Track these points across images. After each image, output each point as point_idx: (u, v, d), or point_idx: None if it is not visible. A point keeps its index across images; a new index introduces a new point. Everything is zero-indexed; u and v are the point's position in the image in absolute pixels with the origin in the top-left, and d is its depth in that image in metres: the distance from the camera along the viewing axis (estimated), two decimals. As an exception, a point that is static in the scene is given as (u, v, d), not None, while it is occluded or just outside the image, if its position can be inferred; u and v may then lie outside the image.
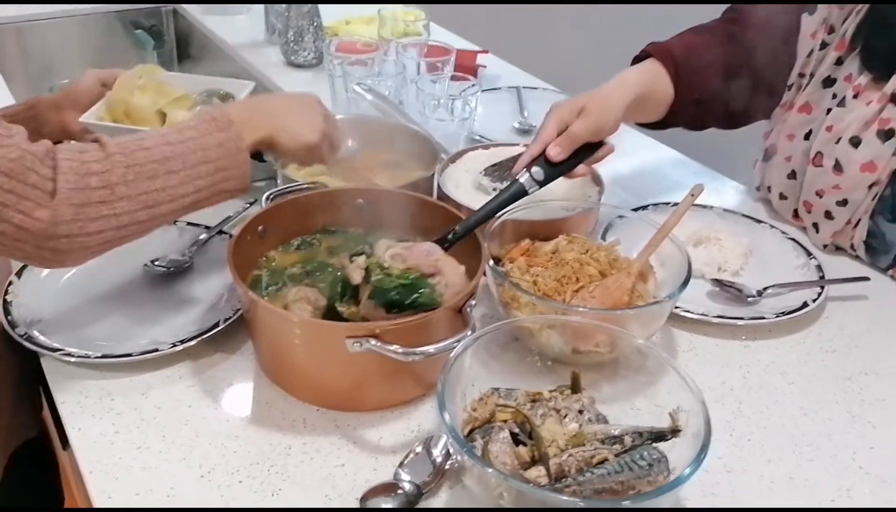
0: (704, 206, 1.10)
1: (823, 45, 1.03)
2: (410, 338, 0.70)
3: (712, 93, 1.06)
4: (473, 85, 1.25)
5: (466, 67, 1.46)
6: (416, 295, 0.74)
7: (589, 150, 0.95)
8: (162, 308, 0.89)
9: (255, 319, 0.78)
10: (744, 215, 1.10)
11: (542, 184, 0.93)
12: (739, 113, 1.10)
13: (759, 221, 1.09)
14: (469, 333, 0.71)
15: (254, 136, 0.81)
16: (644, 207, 1.11)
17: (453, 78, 1.32)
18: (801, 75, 1.06)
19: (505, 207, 0.91)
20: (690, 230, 1.04)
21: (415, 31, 1.55)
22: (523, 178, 0.92)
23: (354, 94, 1.20)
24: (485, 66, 1.53)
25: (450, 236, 0.85)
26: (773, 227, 1.08)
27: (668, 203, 1.11)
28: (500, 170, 1.05)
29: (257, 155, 0.96)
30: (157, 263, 0.94)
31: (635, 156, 1.30)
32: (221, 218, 1.02)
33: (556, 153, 0.92)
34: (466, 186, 1.05)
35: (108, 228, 0.69)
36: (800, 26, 1.04)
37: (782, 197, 1.11)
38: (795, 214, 1.10)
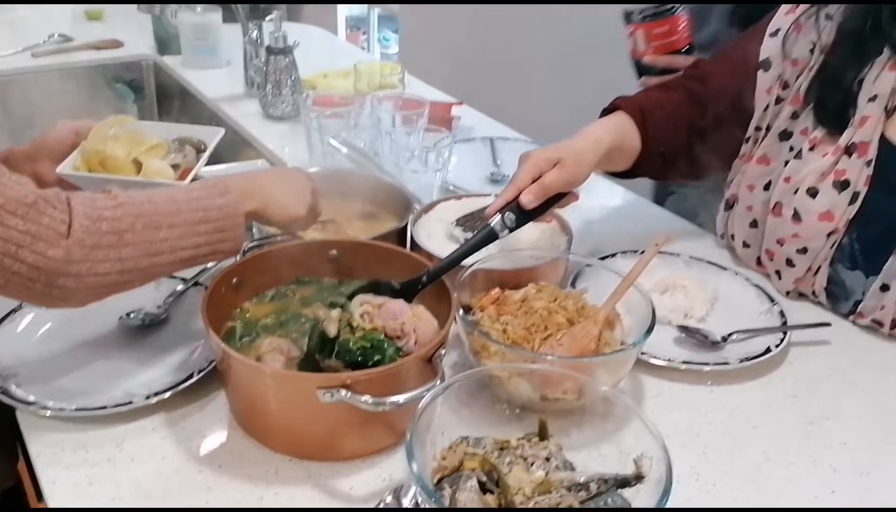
0: (671, 254, 1.13)
1: (779, 100, 1.08)
2: (381, 388, 0.72)
3: (677, 146, 1.11)
4: (447, 137, 1.28)
5: (441, 119, 1.50)
6: (377, 357, 0.77)
7: (556, 198, 0.98)
8: (137, 360, 0.90)
9: (227, 371, 0.80)
10: (709, 262, 1.13)
11: (512, 229, 0.95)
12: (702, 165, 1.15)
13: (724, 268, 1.13)
14: (438, 382, 0.73)
15: (249, 205, 0.85)
16: (612, 255, 1.14)
17: (427, 130, 1.35)
18: (758, 129, 1.10)
19: (477, 250, 0.93)
20: (657, 278, 1.07)
21: (390, 84, 1.60)
22: (495, 222, 0.94)
23: (330, 147, 1.23)
24: (459, 118, 1.58)
25: (423, 279, 0.87)
26: (737, 273, 1.12)
27: (635, 251, 1.14)
28: (471, 220, 1.08)
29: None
30: (132, 315, 0.95)
31: (605, 203, 1.34)
32: (197, 270, 1.04)
33: (528, 201, 0.94)
34: (439, 236, 1.08)
35: (113, 272, 0.73)
36: (756, 83, 1.09)
37: (745, 245, 1.15)
38: (759, 262, 1.14)
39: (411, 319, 0.80)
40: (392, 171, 1.24)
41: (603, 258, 1.13)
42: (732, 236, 1.16)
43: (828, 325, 1.01)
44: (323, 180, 1.15)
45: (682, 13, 1.25)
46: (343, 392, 0.71)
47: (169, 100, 1.92)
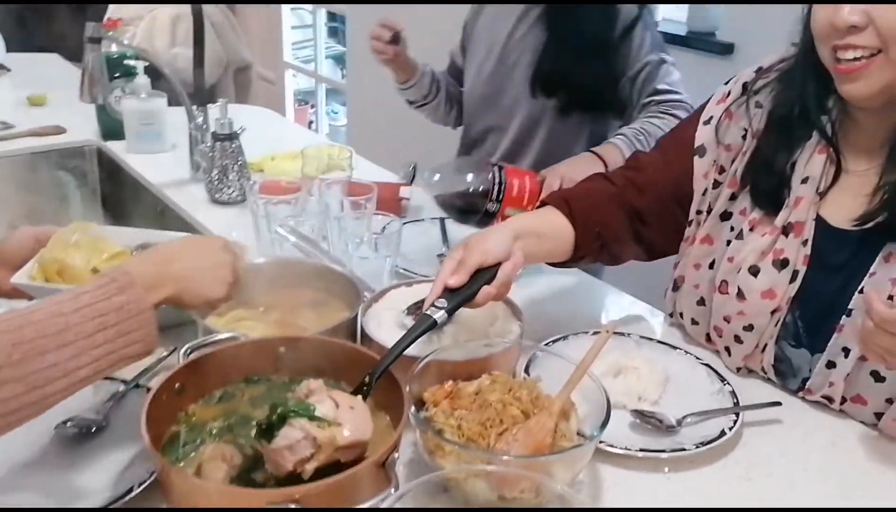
0: (621, 334, 1.14)
1: (716, 184, 1.11)
2: (332, 499, 0.69)
3: (616, 228, 1.13)
4: (395, 221, 1.28)
5: (389, 201, 1.50)
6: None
7: (487, 275, 0.98)
8: (75, 473, 0.86)
9: (168, 485, 0.76)
10: (659, 341, 1.14)
11: (450, 312, 0.95)
12: (649, 247, 1.17)
13: (674, 348, 1.13)
14: (392, 490, 0.70)
15: (157, 295, 0.80)
16: (564, 337, 1.14)
17: (377, 213, 1.35)
18: (699, 212, 1.13)
19: (414, 341, 0.92)
20: (609, 360, 1.07)
21: (339, 166, 1.60)
22: (429, 310, 0.95)
23: (278, 234, 1.21)
24: (408, 199, 1.58)
25: (366, 381, 0.85)
26: (687, 352, 1.13)
27: (587, 332, 1.15)
28: (422, 307, 1.07)
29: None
30: (69, 423, 0.91)
31: (553, 282, 1.35)
32: (139, 369, 1.00)
33: (454, 281, 0.96)
34: (390, 325, 1.06)
35: None
36: (693, 168, 1.12)
37: (694, 322, 1.16)
38: (708, 338, 1.15)
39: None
40: (341, 258, 1.23)
41: (554, 341, 1.13)
42: (681, 314, 1.18)
43: (778, 404, 1.02)
44: (271, 269, 1.15)
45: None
46: (292, 506, 0.68)
47: (113, 186, 1.89)
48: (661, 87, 1.52)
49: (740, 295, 1.06)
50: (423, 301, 1.08)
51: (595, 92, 1.58)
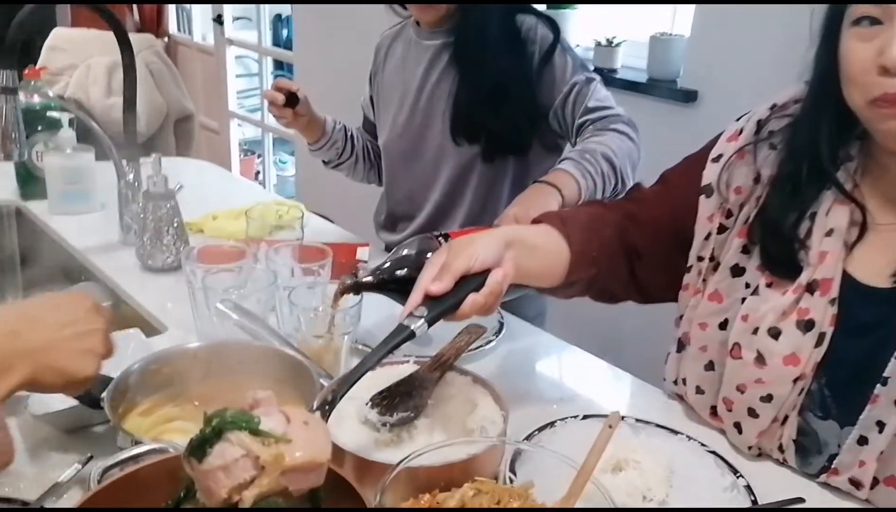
0: (616, 418, 1.00)
1: (722, 229, 0.99)
2: None
3: (611, 258, 1.01)
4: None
5: (346, 266, 1.35)
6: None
7: (475, 282, 0.86)
8: None
9: None
10: (657, 425, 1.01)
11: (430, 322, 0.83)
12: (644, 288, 1.06)
13: (675, 432, 1.00)
14: None
15: (9, 382, 0.64)
16: (551, 424, 1.00)
17: (333, 281, 1.20)
18: (700, 259, 1.01)
19: (388, 355, 0.82)
20: (606, 454, 0.92)
21: (288, 225, 1.45)
22: (406, 320, 0.84)
23: (218, 311, 1.05)
24: (366, 261, 1.43)
25: (328, 399, 0.75)
26: (690, 438, 0.99)
27: (575, 416, 1.01)
28: (389, 398, 0.92)
29: (87, 398, 0.79)
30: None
31: (535, 358, 1.21)
32: (45, 487, 0.82)
33: (437, 287, 0.84)
34: (351, 421, 0.91)
35: None
36: (696, 209, 1.01)
37: (699, 391, 1.03)
38: (714, 412, 1.02)
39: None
40: (293, 337, 1.07)
41: (541, 429, 0.98)
42: (684, 380, 1.05)
43: (801, 500, 0.89)
44: (209, 355, 0.98)
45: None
46: None
47: (32, 251, 1.69)
48: (592, 104, 1.38)
49: (760, 360, 0.93)
50: (391, 389, 0.94)
51: (522, 130, 1.44)
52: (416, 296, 0.85)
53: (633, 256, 1.03)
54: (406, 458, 0.78)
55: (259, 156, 4.56)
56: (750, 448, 0.98)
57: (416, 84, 1.50)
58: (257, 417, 0.63)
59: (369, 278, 1.07)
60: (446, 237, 1.10)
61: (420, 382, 0.95)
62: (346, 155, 1.60)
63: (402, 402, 0.91)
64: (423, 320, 0.83)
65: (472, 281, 0.86)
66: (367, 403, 0.91)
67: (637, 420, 1.02)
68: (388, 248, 1.63)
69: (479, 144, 1.44)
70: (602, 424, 0.99)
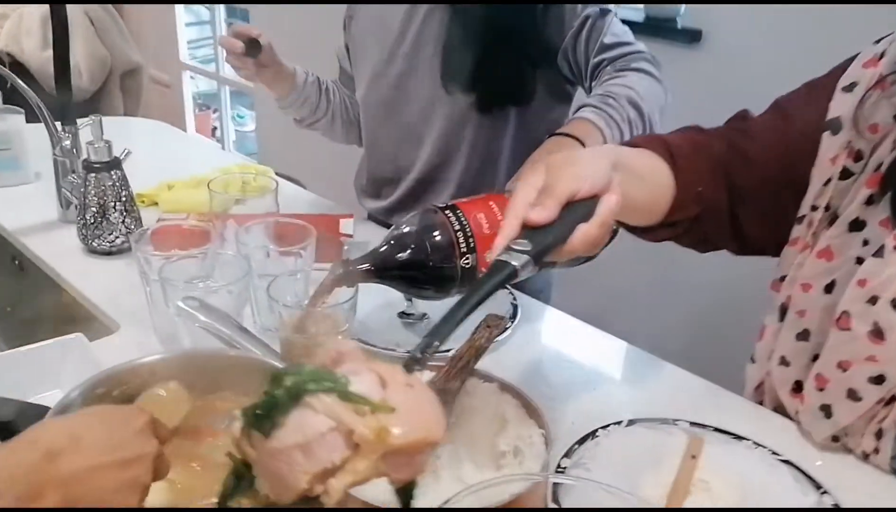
0: (667, 422, 0.84)
1: (846, 174, 0.82)
2: None
3: (716, 196, 0.86)
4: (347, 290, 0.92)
5: (327, 242, 1.15)
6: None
7: (583, 209, 0.69)
8: None
9: None
10: (717, 430, 0.85)
11: (535, 258, 0.65)
12: (746, 237, 0.90)
13: (740, 438, 0.84)
14: None
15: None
16: (593, 435, 0.83)
17: (316, 267, 1.00)
18: (815, 208, 0.84)
19: (486, 298, 0.63)
20: (667, 475, 0.76)
21: (258, 189, 1.25)
22: (504, 255, 0.64)
23: (179, 313, 0.85)
24: (351, 235, 1.24)
25: (419, 357, 0.57)
26: (757, 445, 0.83)
27: (619, 423, 0.84)
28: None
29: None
30: None
31: (552, 342, 1.04)
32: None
33: (540, 214, 0.66)
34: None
35: None
36: (818, 147, 0.83)
37: (783, 362, 0.87)
38: (796, 389, 0.86)
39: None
40: (272, 335, 0.88)
41: (582, 441, 0.82)
42: (771, 352, 0.89)
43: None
44: (171, 369, 0.78)
45: None
46: None
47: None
48: (608, 40, 1.18)
49: (876, 334, 0.77)
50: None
51: (524, 75, 1.24)
52: (510, 224, 0.67)
53: (737, 199, 0.87)
54: (444, 503, 0.60)
55: (215, 111, 4.27)
56: (835, 438, 0.83)
57: (398, 26, 1.29)
58: (344, 376, 0.47)
59: (366, 265, 0.87)
60: (454, 210, 0.91)
61: (437, 394, 0.77)
62: (322, 112, 1.38)
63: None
64: (527, 256, 0.64)
65: (577, 208, 0.68)
66: (374, 427, 0.73)
67: (692, 424, 0.85)
68: (372, 218, 1.43)
69: (475, 93, 1.24)
70: (650, 430, 0.84)
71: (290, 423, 0.45)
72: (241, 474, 0.52)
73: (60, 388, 0.89)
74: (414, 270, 0.88)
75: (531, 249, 0.64)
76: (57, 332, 0.98)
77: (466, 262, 0.89)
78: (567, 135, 1.05)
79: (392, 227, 0.92)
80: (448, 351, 0.96)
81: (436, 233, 0.88)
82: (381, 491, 0.64)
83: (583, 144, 1.04)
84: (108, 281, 1.14)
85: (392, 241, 0.89)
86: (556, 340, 1.08)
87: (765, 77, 1.71)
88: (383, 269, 0.88)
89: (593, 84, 1.18)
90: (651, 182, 0.81)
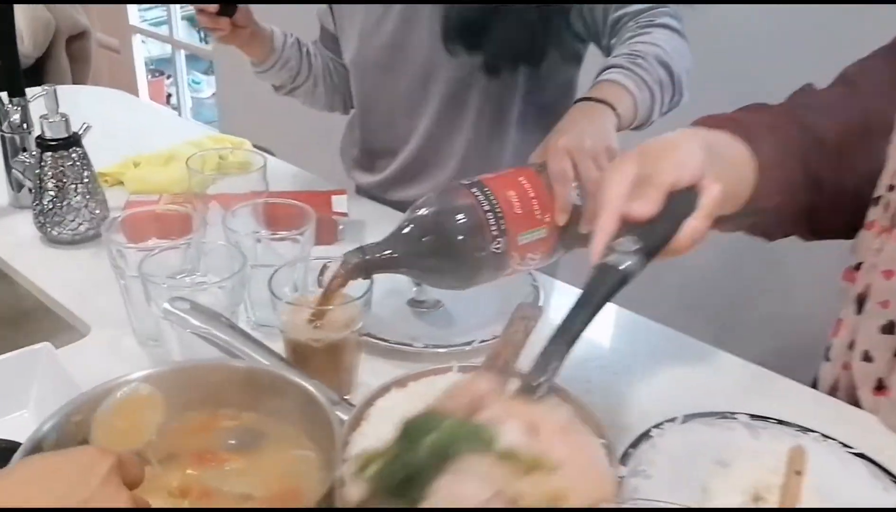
0: (726, 416, 0.75)
1: None
2: None
3: (794, 181, 0.78)
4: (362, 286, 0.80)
5: (319, 223, 1.03)
6: None
7: (684, 201, 0.61)
8: None
9: None
10: (780, 422, 0.76)
11: (647, 254, 0.58)
12: (814, 221, 0.82)
13: (806, 430, 0.75)
14: None
15: None
16: (647, 436, 0.73)
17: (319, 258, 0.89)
18: (892, 188, 0.76)
19: (604, 305, 0.58)
20: (739, 478, 0.68)
21: (236, 164, 1.12)
22: (610, 259, 0.58)
23: (168, 315, 0.73)
24: (345, 214, 1.11)
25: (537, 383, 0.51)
26: (826, 437, 0.75)
27: (674, 420, 0.75)
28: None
29: None
30: None
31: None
32: None
33: (643, 208, 0.60)
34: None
35: None
36: (894, 122, 0.75)
37: (867, 358, 0.79)
38: (879, 387, 0.78)
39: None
40: (270, 332, 0.76)
41: (636, 443, 0.72)
42: (851, 344, 0.81)
43: None
44: (169, 387, 0.66)
45: None
46: None
47: None
48: None
49: None
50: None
51: (535, 32, 1.12)
52: (608, 221, 0.60)
53: (812, 184, 0.78)
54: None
55: (169, 77, 4.04)
56: None
57: None
58: (487, 426, 0.42)
59: (385, 253, 0.76)
60: (481, 187, 0.80)
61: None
62: (303, 77, 1.25)
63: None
64: (637, 256, 0.57)
65: (678, 200, 0.60)
66: (408, 447, 0.62)
67: (753, 417, 0.77)
68: (364, 193, 1.31)
69: (481, 52, 1.11)
70: (708, 427, 0.75)
71: (440, 492, 0.39)
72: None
73: (27, 409, 0.76)
74: (438, 258, 0.77)
75: (641, 247, 0.56)
76: (14, 339, 0.85)
77: (497, 246, 0.78)
78: (596, 100, 0.93)
79: (409, 209, 0.81)
80: (469, 344, 0.87)
81: (462, 214, 0.77)
82: None
83: (614, 109, 0.93)
84: (72, 275, 1.01)
85: (412, 225, 0.78)
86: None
87: (761, 40, 1.62)
88: (404, 256, 0.77)
89: (612, 42, 1.06)
90: (735, 166, 0.72)
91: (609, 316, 0.98)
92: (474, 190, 0.79)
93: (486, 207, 0.77)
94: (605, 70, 0.98)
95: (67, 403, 0.62)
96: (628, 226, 0.59)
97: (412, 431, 0.43)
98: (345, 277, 0.75)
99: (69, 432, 0.61)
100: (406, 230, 0.78)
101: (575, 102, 0.94)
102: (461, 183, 0.80)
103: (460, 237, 0.77)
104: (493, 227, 0.77)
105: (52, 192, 1.06)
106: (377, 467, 0.43)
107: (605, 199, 0.61)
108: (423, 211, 0.78)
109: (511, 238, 0.79)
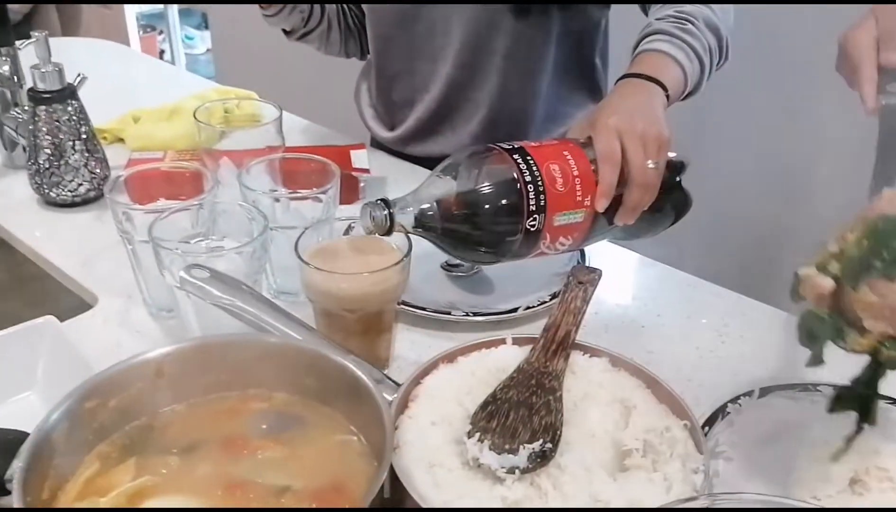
0: (808, 388, 0.68)
1: None
2: None
3: None
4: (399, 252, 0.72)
5: (345, 179, 0.94)
6: None
7: None
8: None
9: None
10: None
11: None
12: None
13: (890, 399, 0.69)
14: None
15: None
16: (723, 412, 0.66)
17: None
18: None
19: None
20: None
21: (243, 117, 1.04)
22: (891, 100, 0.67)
23: (183, 286, 0.65)
24: (367, 170, 1.03)
25: None
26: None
27: (750, 394, 0.68)
28: (500, 417, 0.56)
29: None
30: None
31: (638, 295, 0.86)
32: None
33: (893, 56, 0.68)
34: (447, 465, 0.54)
35: None
36: None
37: None
38: None
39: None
40: (295, 304, 0.69)
41: (711, 421, 0.65)
42: None
43: None
44: (191, 366, 0.59)
45: None
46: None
47: None
48: None
49: None
50: (496, 400, 0.58)
51: None
52: (871, 70, 0.68)
53: None
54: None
55: (161, 32, 3.90)
56: None
57: None
58: None
59: (410, 211, 0.69)
60: (524, 155, 0.71)
61: (539, 381, 0.59)
62: (315, 20, 1.15)
63: (522, 420, 0.56)
64: None
65: None
66: (468, 433, 0.55)
67: (814, 387, 0.69)
68: (381, 147, 1.22)
69: None
70: (789, 401, 0.68)
71: None
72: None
73: (33, 391, 0.69)
74: (468, 226, 0.70)
75: None
76: (15, 311, 0.77)
77: (532, 223, 0.70)
78: (644, 77, 0.84)
79: (442, 166, 0.73)
80: (513, 310, 0.79)
81: (500, 182, 0.70)
82: None
83: (661, 85, 0.84)
84: (74, 240, 0.92)
85: (444, 185, 0.71)
86: (636, 287, 0.90)
87: None
88: (430, 218, 0.69)
89: None
90: None
91: (667, 278, 0.91)
92: (516, 156, 0.71)
93: (528, 179, 0.70)
94: (650, 35, 0.88)
95: (79, 386, 0.54)
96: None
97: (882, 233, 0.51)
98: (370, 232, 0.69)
99: (83, 420, 0.54)
100: (436, 189, 0.70)
101: (621, 77, 0.85)
102: (501, 146, 0.72)
103: (496, 206, 0.69)
104: (532, 203, 0.70)
105: (48, 151, 0.97)
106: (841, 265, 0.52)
107: (861, 53, 0.68)
108: (456, 171, 0.71)
109: (549, 217, 0.71)
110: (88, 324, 0.78)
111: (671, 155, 0.79)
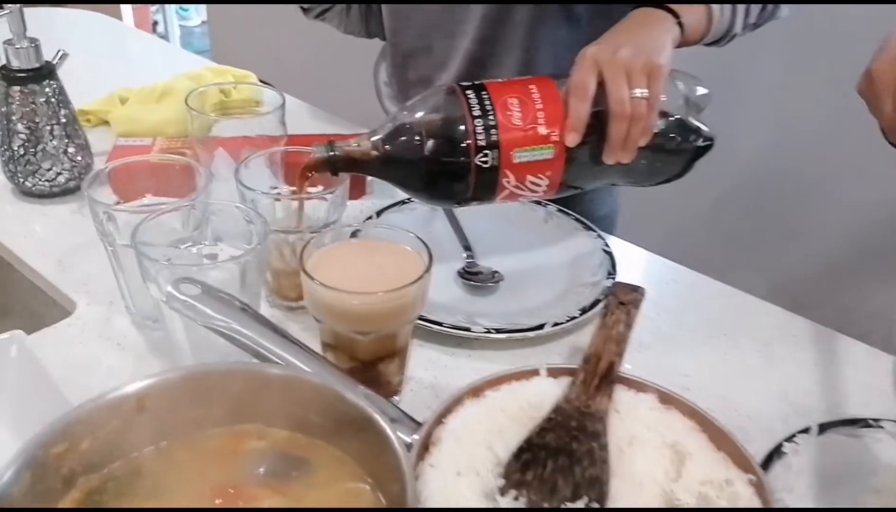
0: (869, 424, 0.61)
1: None
2: None
3: None
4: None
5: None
6: None
7: None
8: None
9: None
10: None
11: None
12: None
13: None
14: None
15: None
16: (778, 453, 0.59)
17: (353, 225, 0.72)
18: None
19: None
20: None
21: (240, 102, 0.95)
22: None
23: (171, 303, 0.57)
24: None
25: None
26: None
27: (807, 430, 0.60)
28: (537, 464, 0.48)
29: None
30: None
31: (666, 304, 0.78)
32: None
33: None
34: (470, 494, 0.47)
35: None
36: None
37: None
38: None
39: None
40: (292, 315, 0.60)
41: (766, 463, 0.58)
42: None
43: None
44: (177, 397, 0.51)
45: None
46: None
47: None
48: None
49: None
50: (531, 446, 0.50)
51: None
52: None
53: None
54: None
55: (155, 3, 3.77)
56: None
57: None
58: None
59: (356, 147, 0.69)
60: (478, 90, 0.69)
61: (580, 423, 0.51)
62: None
63: (562, 471, 0.48)
64: None
65: None
66: (501, 483, 0.47)
67: (875, 422, 0.61)
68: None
69: None
70: (850, 439, 0.61)
71: None
72: None
73: None
74: (415, 163, 0.68)
75: None
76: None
77: (484, 159, 0.67)
78: (657, 5, 0.75)
79: (397, 109, 0.71)
80: (539, 327, 0.71)
81: (446, 114, 0.68)
82: None
83: (677, 18, 0.75)
84: (51, 236, 0.84)
85: (391, 121, 0.69)
86: (673, 301, 0.82)
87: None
88: (376, 155, 0.68)
89: None
90: None
91: (700, 288, 0.83)
92: (469, 91, 0.68)
93: (477, 113, 0.67)
94: None
95: (44, 430, 0.46)
96: None
97: None
98: (311, 168, 0.68)
99: (49, 468, 0.46)
100: (384, 126, 0.69)
101: (634, 7, 0.77)
102: (460, 83, 0.70)
103: (440, 140, 0.67)
104: (481, 137, 0.67)
105: (22, 136, 0.88)
106: None
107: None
108: (407, 108, 0.70)
109: (504, 153, 0.67)
110: (64, 335, 0.69)
111: (701, 90, 0.72)
